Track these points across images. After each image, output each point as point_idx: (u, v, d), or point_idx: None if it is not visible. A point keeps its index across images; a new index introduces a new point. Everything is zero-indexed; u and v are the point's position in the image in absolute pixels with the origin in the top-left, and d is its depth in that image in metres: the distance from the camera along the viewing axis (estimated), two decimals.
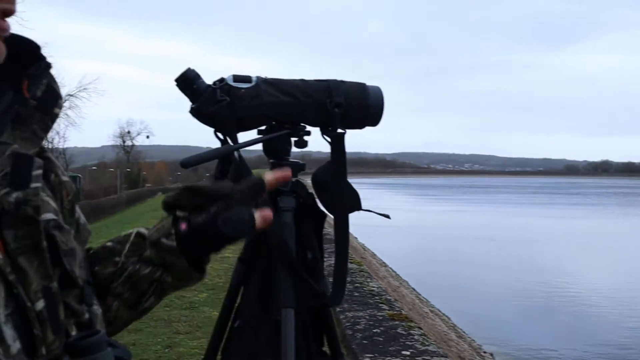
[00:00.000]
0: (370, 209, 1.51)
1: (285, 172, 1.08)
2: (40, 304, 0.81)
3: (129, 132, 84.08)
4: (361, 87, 1.48)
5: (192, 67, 1.37)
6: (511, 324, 12.56)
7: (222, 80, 1.38)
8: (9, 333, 0.75)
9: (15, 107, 0.86)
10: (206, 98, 1.35)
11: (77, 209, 1.03)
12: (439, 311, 12.17)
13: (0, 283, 0.77)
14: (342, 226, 1.47)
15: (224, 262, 9.52)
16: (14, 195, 0.81)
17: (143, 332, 5.75)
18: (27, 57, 0.89)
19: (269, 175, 1.07)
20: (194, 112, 1.36)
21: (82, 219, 1.05)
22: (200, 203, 1.01)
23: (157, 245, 1.03)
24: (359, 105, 1.46)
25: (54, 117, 0.91)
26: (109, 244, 1.08)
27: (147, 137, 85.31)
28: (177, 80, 1.36)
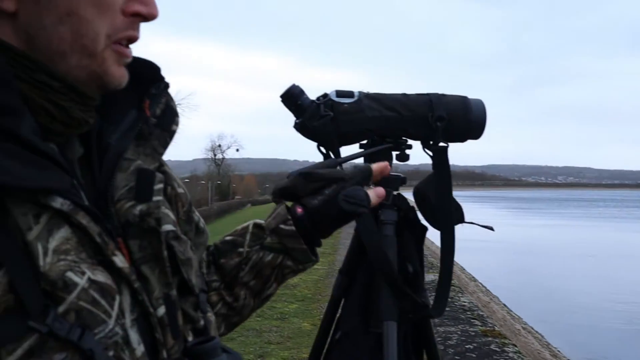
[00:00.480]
0: (473, 222, 1.50)
1: (385, 164, 1.19)
2: (161, 310, 0.86)
3: (219, 146, 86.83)
4: (463, 100, 1.47)
5: (296, 84, 1.40)
6: (609, 344, 11.95)
7: (325, 95, 1.41)
8: (134, 337, 0.80)
9: (138, 126, 0.92)
10: (310, 113, 1.38)
11: (196, 213, 1.09)
12: (532, 328, 11.76)
13: (127, 290, 0.81)
14: (447, 239, 1.46)
15: (313, 274, 9.61)
16: (139, 208, 0.86)
17: (235, 341, 5.89)
18: (149, 78, 0.94)
19: (374, 165, 1.17)
20: (299, 127, 1.40)
21: (202, 222, 1.11)
22: (316, 187, 1.10)
23: (276, 232, 1.11)
24: (461, 118, 1.45)
25: (172, 133, 0.96)
26: (229, 237, 1.16)
27: (237, 150, 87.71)
28: (282, 96, 1.40)
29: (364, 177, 1.14)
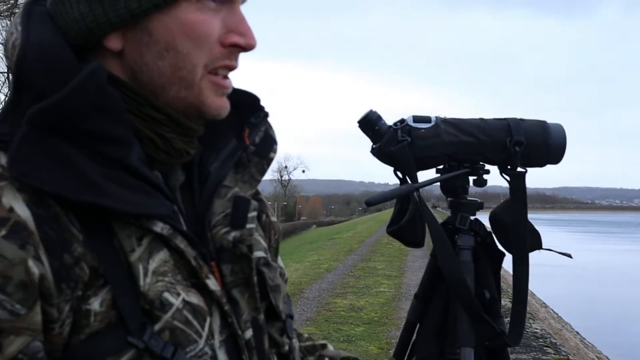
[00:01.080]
0: (551, 248, 1.47)
1: None
2: (248, 333, 0.89)
3: (286, 167, 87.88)
4: (542, 125, 1.46)
5: (374, 109, 1.42)
6: None
7: (402, 121, 1.42)
8: (222, 357, 0.83)
9: (237, 154, 0.96)
10: (388, 139, 1.40)
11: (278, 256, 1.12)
12: (607, 358, 11.26)
13: (217, 312, 0.85)
14: (522, 266, 1.44)
15: (380, 297, 9.54)
16: (232, 234, 0.89)
17: None
18: (249, 108, 0.98)
19: None
20: (376, 152, 1.42)
21: (281, 263, 1.13)
22: None
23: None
24: (540, 143, 1.43)
25: (270, 161, 0.99)
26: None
27: (303, 171, 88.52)
28: (359, 121, 1.42)
29: None
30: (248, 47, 0.88)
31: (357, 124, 1.43)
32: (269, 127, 1.01)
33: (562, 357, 5.29)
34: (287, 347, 0.97)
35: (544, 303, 15.76)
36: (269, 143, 1.00)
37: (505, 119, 1.45)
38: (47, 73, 0.76)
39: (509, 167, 1.45)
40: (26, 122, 0.74)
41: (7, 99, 0.80)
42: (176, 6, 0.82)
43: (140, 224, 0.80)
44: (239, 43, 0.86)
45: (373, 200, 1.31)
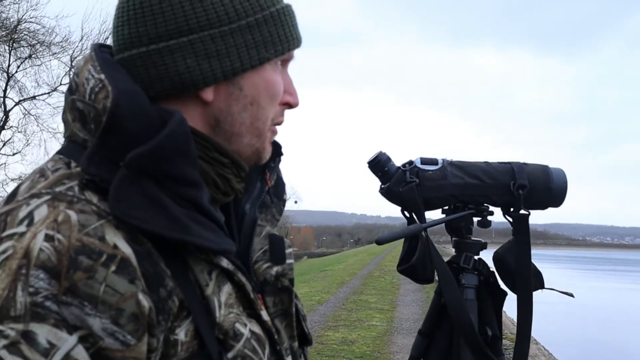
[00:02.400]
0: (554, 288, 1.52)
1: None
2: (288, 359, 0.97)
3: None
4: (544, 169, 1.52)
5: (383, 151, 1.48)
6: None
7: (410, 162, 1.48)
8: None
9: (262, 195, 1.05)
10: (396, 179, 1.46)
11: None
12: None
13: (267, 340, 0.92)
14: (526, 305, 1.49)
15: (372, 330, 9.51)
16: (275, 269, 0.98)
17: None
18: (273, 154, 1.07)
19: None
20: (385, 192, 1.47)
21: None
22: None
23: None
24: (542, 187, 1.50)
25: (284, 202, 1.09)
26: None
27: (295, 202, 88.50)
28: (369, 162, 1.48)
29: None
30: (295, 106, 1.00)
31: (367, 165, 1.48)
32: (279, 171, 1.10)
33: None
34: None
35: (535, 340, 15.71)
36: (282, 186, 1.11)
37: (509, 163, 1.51)
38: (136, 119, 0.83)
39: (512, 209, 1.50)
40: (125, 166, 0.80)
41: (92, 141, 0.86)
42: (263, 67, 0.92)
43: (210, 260, 0.87)
44: (290, 102, 0.98)
45: (383, 239, 1.37)
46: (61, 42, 20.33)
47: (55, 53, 20.39)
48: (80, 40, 21.19)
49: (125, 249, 0.77)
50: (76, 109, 0.89)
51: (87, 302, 0.73)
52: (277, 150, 1.07)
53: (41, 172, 0.87)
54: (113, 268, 0.75)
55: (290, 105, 0.99)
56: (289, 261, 1.00)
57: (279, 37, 0.94)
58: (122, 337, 0.75)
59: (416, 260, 1.43)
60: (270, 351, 0.93)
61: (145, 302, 0.77)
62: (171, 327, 0.81)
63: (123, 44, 0.91)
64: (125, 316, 0.75)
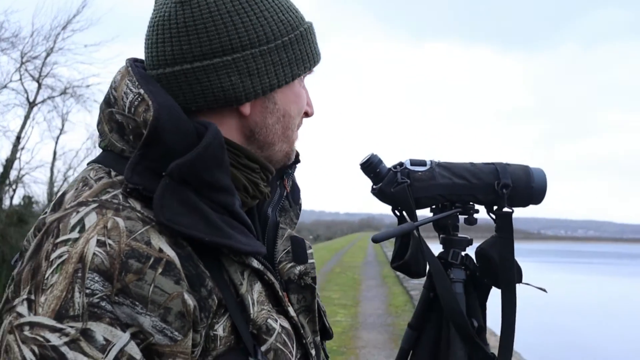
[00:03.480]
0: (529, 283, 1.62)
1: None
2: (313, 352, 1.05)
3: None
4: (525, 169, 1.61)
5: (375, 153, 1.56)
6: None
7: (401, 164, 1.56)
8: None
9: (282, 199, 1.12)
10: (388, 180, 1.53)
11: None
12: None
13: (293, 334, 1.00)
14: (509, 297, 1.58)
15: (337, 326, 9.60)
16: (298, 268, 1.06)
17: None
18: (293, 160, 1.14)
19: None
20: (377, 192, 1.55)
21: None
22: None
23: None
24: (524, 186, 1.59)
25: (300, 206, 1.16)
26: None
27: None
28: (362, 164, 1.55)
29: None
30: (311, 115, 1.08)
31: (360, 167, 1.55)
32: (294, 176, 1.18)
33: None
34: None
35: (493, 332, 16.06)
36: (297, 191, 1.18)
37: (492, 163, 1.60)
38: (175, 132, 0.89)
39: (495, 207, 1.59)
40: (167, 175, 0.86)
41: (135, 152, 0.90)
42: (293, 82, 1.01)
43: (243, 261, 0.93)
44: (308, 112, 1.08)
45: (380, 238, 1.45)
46: (10, 37, 19.81)
47: (5, 49, 19.86)
48: (31, 35, 20.70)
49: (170, 252, 0.84)
50: (114, 120, 0.94)
51: (138, 302, 0.80)
52: (296, 157, 1.14)
53: (84, 181, 0.92)
54: (160, 270, 0.82)
55: (307, 115, 1.09)
56: (310, 261, 1.08)
57: (307, 55, 1.02)
58: (170, 333, 0.81)
59: (409, 257, 1.51)
60: (297, 345, 1.01)
61: (190, 301, 0.83)
62: (211, 323, 0.88)
63: (164, 60, 0.96)
64: (172, 314, 0.82)
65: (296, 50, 0.99)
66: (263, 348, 0.92)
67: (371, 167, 1.55)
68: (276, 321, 0.96)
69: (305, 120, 1.09)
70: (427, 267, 1.55)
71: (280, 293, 0.99)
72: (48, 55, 20.92)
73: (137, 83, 0.93)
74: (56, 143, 23.75)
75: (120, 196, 0.88)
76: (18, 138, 20.65)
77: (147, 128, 0.87)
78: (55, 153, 23.92)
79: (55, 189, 23.48)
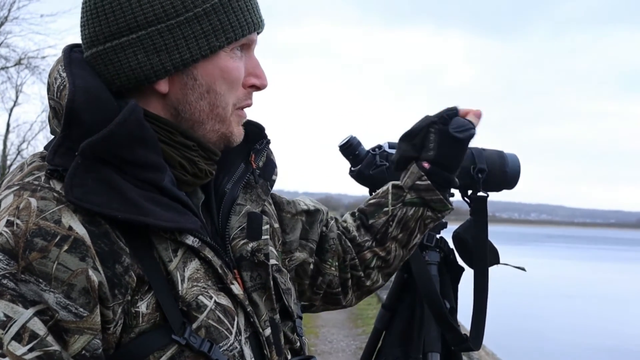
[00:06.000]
0: (507, 263, 1.66)
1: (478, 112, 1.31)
2: (267, 331, 1.03)
3: None
4: (500, 154, 1.64)
5: (354, 135, 1.56)
6: None
7: (380, 147, 1.57)
8: (247, 352, 0.97)
9: (246, 176, 1.09)
10: (367, 163, 1.54)
11: (301, 203, 1.28)
12: None
13: (241, 312, 0.99)
14: (482, 278, 1.61)
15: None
16: (250, 245, 1.04)
17: None
18: (255, 136, 1.11)
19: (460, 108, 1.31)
20: (355, 174, 1.55)
21: (311, 205, 1.29)
22: (418, 142, 1.27)
23: (414, 188, 1.28)
24: (498, 170, 1.62)
25: (272, 182, 1.14)
26: (372, 200, 1.33)
27: None
28: (341, 146, 1.55)
29: (450, 113, 1.28)
30: (262, 87, 1.04)
31: (339, 148, 1.56)
32: (270, 153, 1.16)
33: None
34: (298, 344, 1.11)
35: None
36: (270, 167, 1.16)
37: (469, 148, 1.62)
38: (93, 112, 0.89)
39: (470, 191, 1.62)
40: (79, 154, 0.86)
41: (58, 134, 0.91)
42: (217, 55, 0.96)
43: (175, 238, 0.93)
44: (256, 84, 1.03)
45: None
46: None
47: None
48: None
49: (80, 230, 0.84)
50: (51, 106, 0.95)
51: (42, 279, 0.81)
52: (259, 132, 1.13)
53: (21, 167, 0.95)
54: (65, 247, 0.82)
55: (257, 88, 1.04)
56: (264, 237, 1.06)
57: (230, 25, 0.96)
58: (74, 309, 0.82)
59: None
60: (245, 323, 0.99)
61: (95, 277, 0.83)
62: (132, 300, 0.88)
63: (86, 42, 0.97)
64: (76, 291, 0.82)
65: (213, 21, 0.95)
66: (194, 325, 0.91)
67: (350, 149, 1.55)
68: (210, 298, 0.94)
69: (258, 94, 1.05)
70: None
71: (220, 270, 0.96)
72: (2, 24, 20.27)
73: (63, 67, 0.94)
74: (9, 115, 23.13)
75: (43, 178, 0.89)
76: None
77: (64, 109, 0.89)
78: (8, 125, 23.31)
79: (9, 162, 22.91)
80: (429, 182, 1.26)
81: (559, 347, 14.44)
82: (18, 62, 21.05)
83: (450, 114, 1.27)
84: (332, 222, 1.30)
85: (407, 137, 1.28)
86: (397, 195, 1.29)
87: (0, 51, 20.65)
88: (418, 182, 1.27)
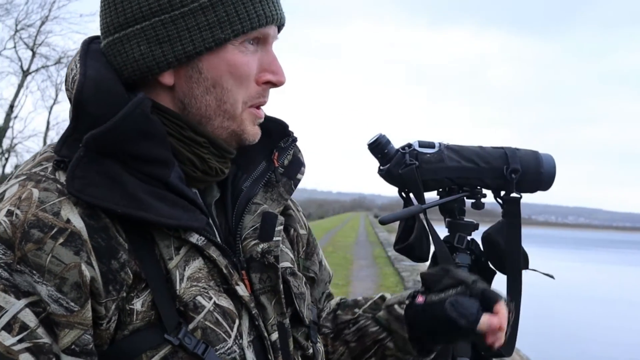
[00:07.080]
0: (536, 269, 1.60)
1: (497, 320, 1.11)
2: (274, 336, 1.00)
3: None
4: (535, 154, 1.58)
5: (383, 133, 1.52)
6: None
7: (409, 145, 1.52)
8: (250, 356, 0.94)
9: (267, 174, 1.06)
10: (396, 161, 1.50)
11: (320, 252, 1.23)
12: None
13: (246, 315, 0.96)
14: (515, 283, 1.56)
15: None
16: (261, 246, 1.01)
17: None
18: (278, 134, 1.09)
19: (485, 318, 1.11)
20: (384, 173, 1.52)
21: (324, 260, 1.24)
22: (448, 284, 1.15)
23: (389, 309, 1.20)
24: (533, 171, 1.56)
25: (297, 181, 1.11)
26: (359, 297, 1.28)
27: None
28: (369, 144, 1.52)
29: (487, 296, 1.13)
30: (279, 84, 1.00)
31: (367, 147, 1.52)
32: (297, 151, 1.13)
33: None
34: (311, 351, 1.07)
35: None
36: (297, 165, 1.12)
37: (502, 148, 1.57)
38: (101, 104, 0.87)
39: (503, 192, 1.56)
40: (83, 145, 0.85)
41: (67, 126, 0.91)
42: (224, 48, 0.93)
43: (179, 235, 0.91)
44: (271, 80, 0.99)
45: (387, 220, 1.42)
46: (5, 4, 19.61)
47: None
48: (26, 3, 20.48)
49: (78, 223, 0.83)
50: (68, 97, 0.94)
51: (35, 270, 0.80)
52: (283, 130, 1.10)
53: (34, 156, 0.94)
54: (61, 240, 0.81)
55: (274, 84, 1.00)
56: (276, 238, 1.02)
57: (238, 17, 0.92)
58: (65, 303, 0.81)
59: (414, 239, 1.48)
60: (250, 326, 0.96)
61: (87, 272, 0.82)
62: (127, 297, 0.86)
63: (102, 32, 0.96)
64: (68, 285, 0.81)
65: (219, 13, 0.92)
66: (190, 326, 0.89)
67: (379, 147, 1.51)
68: (210, 299, 0.92)
69: (275, 90, 1.02)
70: (431, 250, 1.52)
71: (225, 271, 0.94)
72: (43, 23, 20.74)
73: (78, 57, 0.93)
74: (49, 113, 23.65)
75: (50, 169, 0.88)
76: (11, 106, 20.52)
77: (72, 101, 0.88)
78: (48, 123, 23.83)
79: None
80: (402, 312, 1.17)
81: (599, 354, 14.15)
82: (58, 61, 21.50)
83: (483, 292, 1.12)
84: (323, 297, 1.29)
85: (448, 273, 1.17)
86: (375, 306, 1.23)
87: (41, 50, 21.13)
88: (396, 307, 1.19)
